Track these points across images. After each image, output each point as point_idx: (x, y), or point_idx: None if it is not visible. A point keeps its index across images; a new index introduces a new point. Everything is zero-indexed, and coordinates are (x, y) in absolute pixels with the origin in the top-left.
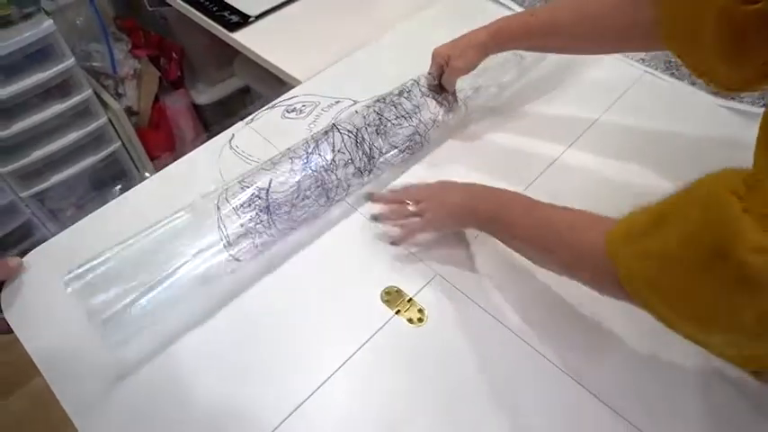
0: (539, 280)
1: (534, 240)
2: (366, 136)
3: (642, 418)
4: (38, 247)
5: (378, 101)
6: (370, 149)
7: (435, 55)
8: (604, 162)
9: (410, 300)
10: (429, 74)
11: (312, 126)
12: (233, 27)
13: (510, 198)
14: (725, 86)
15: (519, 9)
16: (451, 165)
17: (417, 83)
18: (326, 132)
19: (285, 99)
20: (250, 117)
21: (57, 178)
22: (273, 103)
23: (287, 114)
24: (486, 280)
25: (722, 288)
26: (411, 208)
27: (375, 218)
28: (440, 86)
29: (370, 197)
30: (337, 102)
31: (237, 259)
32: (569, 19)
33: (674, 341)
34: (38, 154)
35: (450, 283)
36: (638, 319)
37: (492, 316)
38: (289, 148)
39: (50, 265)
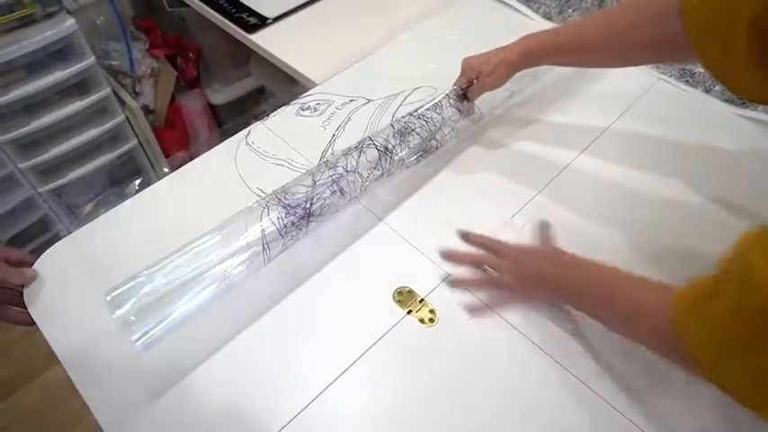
0: None
1: (609, 310)
2: (398, 150)
3: (647, 423)
4: (59, 242)
5: (411, 114)
6: (392, 157)
7: (466, 68)
8: (616, 168)
9: (422, 300)
10: (457, 85)
11: (326, 123)
12: (251, 29)
13: (588, 266)
14: (755, 97)
15: (533, 14)
16: (472, 170)
17: (449, 96)
18: (362, 148)
19: (300, 98)
20: (265, 116)
21: (74, 174)
22: (288, 102)
23: (301, 112)
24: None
25: None
26: (492, 274)
27: (453, 284)
28: (463, 96)
29: (464, 236)
30: (351, 100)
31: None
32: (597, 35)
33: None
34: (57, 150)
35: None
36: None
37: (502, 318)
38: (326, 162)
39: (73, 260)
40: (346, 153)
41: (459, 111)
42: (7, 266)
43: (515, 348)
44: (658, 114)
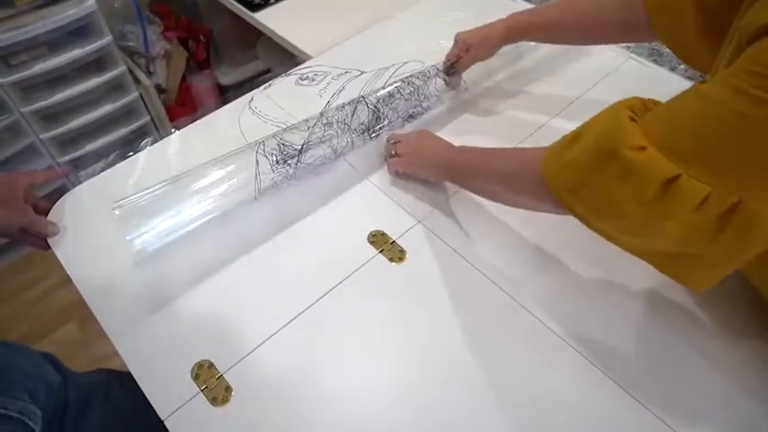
0: (510, 228)
1: (488, 174)
2: (383, 109)
3: (606, 360)
4: (78, 186)
5: (402, 80)
6: (380, 117)
7: (459, 41)
8: None
9: (393, 242)
10: (448, 58)
11: (322, 92)
12: (255, 8)
13: (468, 148)
14: (705, 68)
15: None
16: (456, 133)
17: (436, 67)
18: (355, 103)
19: (299, 69)
20: (267, 84)
21: (91, 147)
22: (288, 72)
23: (300, 82)
24: (462, 228)
25: (613, 182)
26: (393, 151)
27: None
28: (452, 67)
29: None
30: (346, 72)
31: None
32: (571, 16)
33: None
34: (75, 123)
35: (429, 229)
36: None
37: (464, 259)
38: (322, 113)
39: (90, 201)
40: (340, 108)
41: (446, 83)
42: (39, 217)
43: (475, 286)
44: (627, 87)
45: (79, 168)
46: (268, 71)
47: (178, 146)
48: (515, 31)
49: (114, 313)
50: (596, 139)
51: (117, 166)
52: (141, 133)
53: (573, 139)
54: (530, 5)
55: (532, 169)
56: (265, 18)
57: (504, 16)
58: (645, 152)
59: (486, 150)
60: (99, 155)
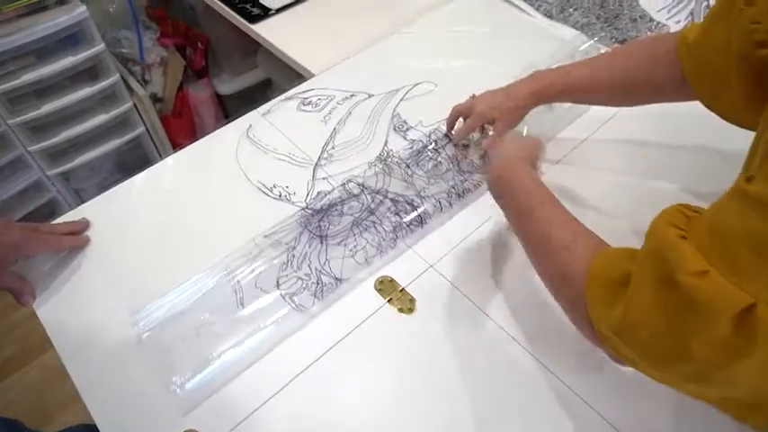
0: (529, 280)
1: (531, 245)
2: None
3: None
4: (65, 214)
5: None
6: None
7: (479, 116)
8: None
9: (402, 290)
10: (461, 137)
11: (327, 118)
12: (254, 19)
13: (534, 190)
14: (748, 125)
15: (534, 12)
16: None
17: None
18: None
19: (301, 91)
20: (266, 107)
21: (82, 159)
22: (288, 94)
23: (302, 107)
24: (477, 275)
25: (673, 319)
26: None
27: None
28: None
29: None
30: (352, 95)
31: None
32: (606, 77)
33: None
34: (66, 134)
35: (442, 275)
36: None
37: (480, 309)
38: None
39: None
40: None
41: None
42: (22, 284)
43: (492, 342)
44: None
45: (70, 182)
46: (268, 81)
47: (172, 173)
48: (544, 95)
49: (91, 372)
50: (647, 269)
51: (105, 193)
52: (136, 144)
53: (621, 280)
54: (539, 15)
55: (576, 285)
56: (264, 30)
57: (513, 29)
58: (707, 277)
59: (542, 211)
60: (91, 167)
